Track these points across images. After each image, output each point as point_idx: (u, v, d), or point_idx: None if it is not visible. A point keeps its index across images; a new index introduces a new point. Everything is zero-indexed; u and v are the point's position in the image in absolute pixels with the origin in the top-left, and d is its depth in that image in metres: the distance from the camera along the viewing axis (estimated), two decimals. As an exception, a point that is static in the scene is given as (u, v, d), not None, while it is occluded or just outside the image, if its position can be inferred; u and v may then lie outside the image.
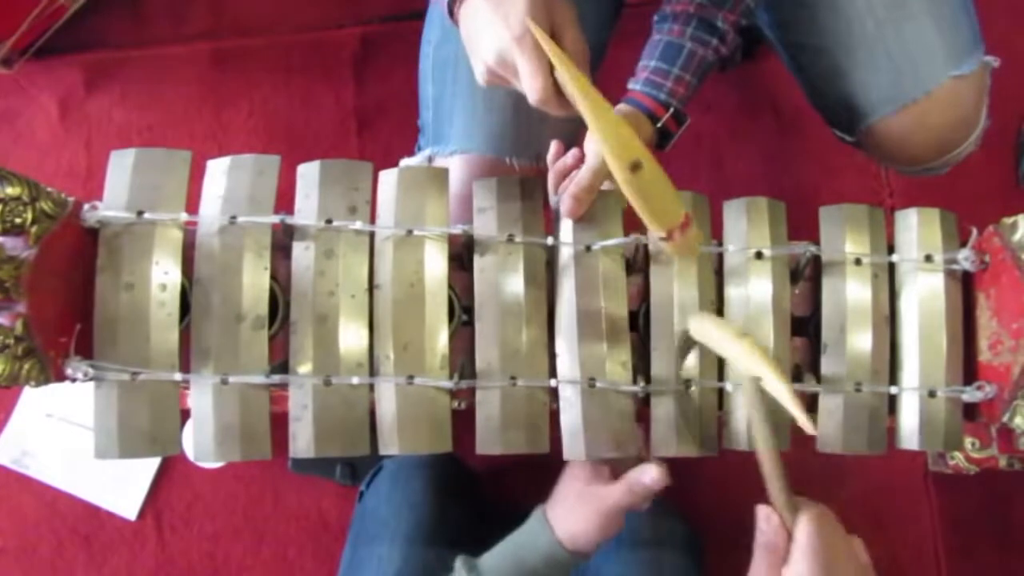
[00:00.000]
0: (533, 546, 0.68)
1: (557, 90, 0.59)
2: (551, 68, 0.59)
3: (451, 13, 0.64)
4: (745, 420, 0.68)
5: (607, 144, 0.57)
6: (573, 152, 0.70)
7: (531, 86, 0.59)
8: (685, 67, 0.77)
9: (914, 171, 0.91)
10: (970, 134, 0.86)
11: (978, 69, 0.84)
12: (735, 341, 0.60)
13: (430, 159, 0.87)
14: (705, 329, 0.64)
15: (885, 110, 0.85)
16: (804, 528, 0.55)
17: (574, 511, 0.68)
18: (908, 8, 0.82)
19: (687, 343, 0.68)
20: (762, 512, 0.58)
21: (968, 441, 0.96)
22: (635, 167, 0.57)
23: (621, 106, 0.78)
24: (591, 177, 0.65)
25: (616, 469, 0.69)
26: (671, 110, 0.77)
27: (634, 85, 0.79)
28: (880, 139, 0.87)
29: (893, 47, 0.82)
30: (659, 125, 0.77)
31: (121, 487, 1.14)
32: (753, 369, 0.59)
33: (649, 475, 0.66)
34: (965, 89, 0.83)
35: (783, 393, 0.57)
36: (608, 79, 0.79)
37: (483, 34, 0.60)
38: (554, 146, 0.72)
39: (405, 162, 0.91)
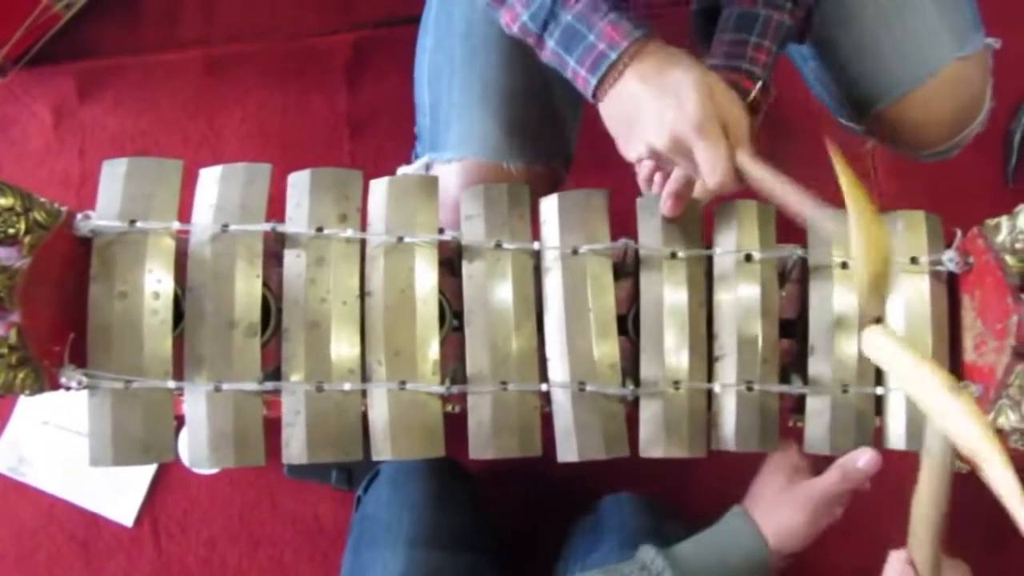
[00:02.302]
0: (736, 544, 0.66)
1: (738, 173, 0.61)
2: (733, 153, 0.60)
3: (594, 96, 0.65)
4: (737, 427, 0.69)
5: (866, 254, 0.57)
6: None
7: (715, 172, 0.60)
8: (763, 34, 0.75)
9: (924, 156, 0.91)
10: (978, 114, 0.87)
11: (981, 49, 0.84)
12: (947, 395, 0.50)
13: (428, 166, 0.87)
14: (885, 352, 0.59)
15: (894, 95, 0.84)
16: None
17: (779, 506, 0.67)
18: None
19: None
20: (899, 560, 0.55)
21: (957, 440, 0.97)
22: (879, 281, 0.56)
23: None
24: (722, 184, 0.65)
25: (816, 466, 0.68)
26: (759, 83, 0.75)
27: (712, 61, 0.77)
28: (891, 124, 0.87)
29: (897, 32, 0.82)
30: (750, 100, 0.74)
31: (118, 494, 1.15)
32: (965, 438, 0.49)
33: (864, 458, 0.66)
34: (971, 69, 0.84)
35: (1008, 486, 0.47)
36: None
37: (649, 118, 0.61)
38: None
39: (403, 170, 0.91)
